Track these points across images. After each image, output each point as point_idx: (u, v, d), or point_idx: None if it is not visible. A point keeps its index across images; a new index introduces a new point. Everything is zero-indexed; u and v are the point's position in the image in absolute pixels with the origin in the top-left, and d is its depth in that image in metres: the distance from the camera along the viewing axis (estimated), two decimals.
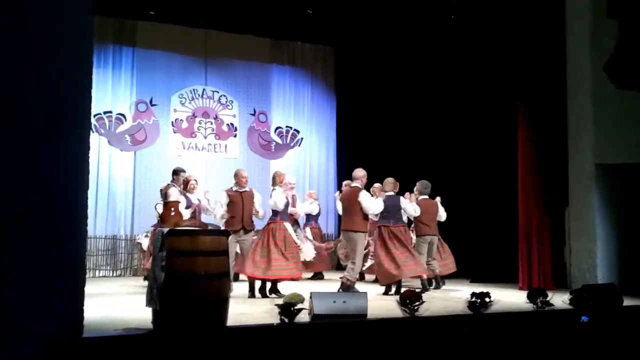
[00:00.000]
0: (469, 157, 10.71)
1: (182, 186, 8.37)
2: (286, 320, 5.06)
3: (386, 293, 8.01)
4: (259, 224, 8.30)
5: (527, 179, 8.91)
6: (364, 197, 7.83)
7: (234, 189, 7.88)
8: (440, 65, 11.22)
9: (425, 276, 8.23)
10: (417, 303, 5.51)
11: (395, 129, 12.15)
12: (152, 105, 11.64)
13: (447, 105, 11.20)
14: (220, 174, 11.77)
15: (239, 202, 7.76)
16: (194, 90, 12.06)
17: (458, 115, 10.96)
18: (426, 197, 8.99)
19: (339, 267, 12.17)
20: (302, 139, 12.93)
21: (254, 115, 12.53)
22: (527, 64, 9.07)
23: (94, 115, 10.94)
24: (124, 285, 9.03)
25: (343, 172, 12.92)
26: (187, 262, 4.88)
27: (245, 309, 6.46)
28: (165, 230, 5.04)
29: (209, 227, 5.51)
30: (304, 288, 6.93)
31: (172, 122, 11.81)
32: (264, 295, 7.51)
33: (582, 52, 8.66)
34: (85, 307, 4.58)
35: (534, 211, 8.85)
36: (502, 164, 9.71)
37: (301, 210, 10.05)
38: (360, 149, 12.21)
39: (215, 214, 7.96)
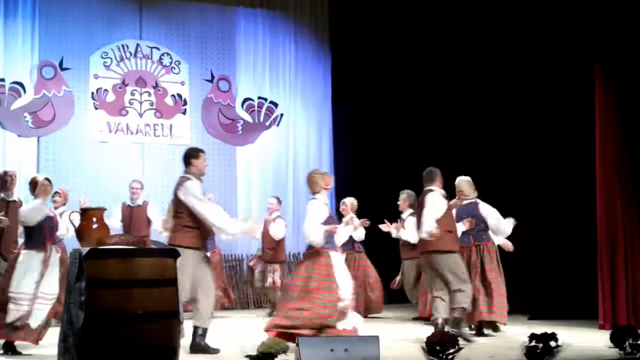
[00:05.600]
0: (521, 142, 10.73)
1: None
2: None
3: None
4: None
5: (609, 172, 8.95)
6: None
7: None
8: (481, 7, 11.21)
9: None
10: (452, 351, 5.53)
11: (414, 102, 12.16)
12: (63, 69, 11.60)
13: (492, 65, 11.21)
14: (162, 167, 11.74)
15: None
16: (123, 46, 12.03)
17: (507, 82, 10.96)
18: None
19: None
20: (281, 115, 12.91)
21: (211, 82, 12.50)
22: (607, 17, 9.10)
23: None
24: None
25: (342, 163, 12.96)
26: (118, 295, 4.88)
27: None
28: (85, 250, 5.03)
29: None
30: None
31: (93, 93, 11.77)
32: None
33: None
34: None
35: (620, 217, 8.89)
36: (571, 150, 9.77)
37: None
38: (365, 129, 12.22)
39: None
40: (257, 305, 12.19)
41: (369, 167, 12.06)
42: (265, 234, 10.59)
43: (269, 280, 10.61)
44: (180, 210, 7.00)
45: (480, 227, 8.43)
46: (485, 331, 8.24)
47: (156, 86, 12.16)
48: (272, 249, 10.65)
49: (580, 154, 9.53)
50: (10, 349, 6.85)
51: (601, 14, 9.18)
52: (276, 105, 12.88)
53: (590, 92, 9.24)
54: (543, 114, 10.44)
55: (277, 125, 12.89)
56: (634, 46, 9.00)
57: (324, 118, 13.15)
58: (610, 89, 9.07)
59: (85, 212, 5.87)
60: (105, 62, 11.91)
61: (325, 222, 7.11)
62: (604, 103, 9.10)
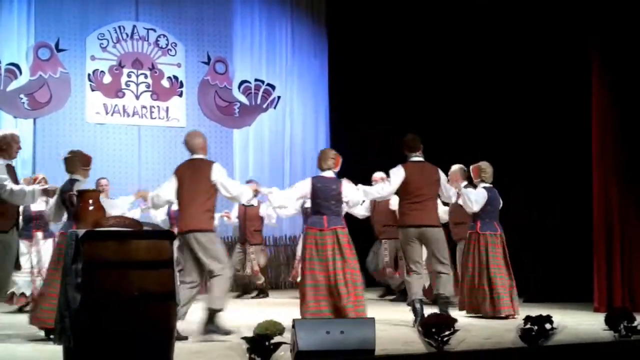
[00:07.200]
0: (518, 126, 10.72)
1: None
2: None
3: None
4: None
5: (606, 159, 8.95)
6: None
7: None
8: None
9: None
10: (448, 333, 5.54)
11: (411, 85, 12.13)
12: (59, 50, 11.58)
13: (489, 53, 11.18)
14: (159, 150, 11.74)
15: None
16: (120, 28, 12.00)
17: (506, 69, 10.93)
18: None
19: None
20: (278, 97, 12.89)
21: (208, 64, 12.48)
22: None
23: None
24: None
25: (339, 145, 12.93)
26: (114, 277, 4.87)
27: (201, 346, 6.49)
28: (81, 232, 5.03)
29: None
30: (284, 313, 6.94)
31: (89, 75, 11.76)
32: None
33: None
34: None
35: (616, 202, 8.90)
36: (568, 134, 9.77)
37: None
38: (362, 111, 12.21)
39: None
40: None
41: (366, 149, 12.04)
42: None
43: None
44: None
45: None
46: None
47: (152, 68, 12.14)
48: (257, 231, 10.77)
49: (576, 138, 9.52)
50: None
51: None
52: (273, 87, 12.86)
53: (587, 76, 9.22)
54: (540, 98, 10.43)
55: (274, 107, 12.88)
56: (630, 30, 8.98)
57: (321, 100, 13.15)
58: (608, 75, 9.06)
59: (82, 194, 5.87)
60: (101, 43, 11.88)
61: None
62: (600, 87, 9.09)
